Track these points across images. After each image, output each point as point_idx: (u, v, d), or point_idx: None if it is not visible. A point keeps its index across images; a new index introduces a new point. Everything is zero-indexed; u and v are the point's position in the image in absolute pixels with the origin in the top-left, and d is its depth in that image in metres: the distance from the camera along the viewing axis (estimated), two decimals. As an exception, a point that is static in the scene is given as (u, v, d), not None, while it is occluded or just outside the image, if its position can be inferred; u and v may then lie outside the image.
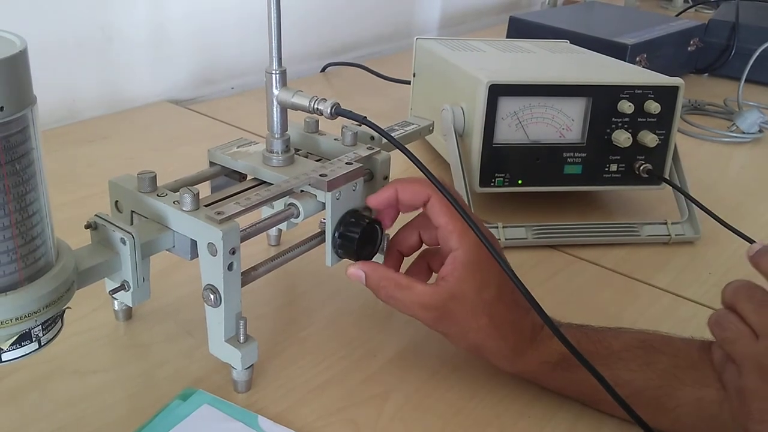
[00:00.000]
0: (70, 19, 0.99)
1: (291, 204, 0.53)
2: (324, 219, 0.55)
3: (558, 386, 0.54)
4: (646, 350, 0.52)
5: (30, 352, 0.43)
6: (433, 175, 0.51)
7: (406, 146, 0.68)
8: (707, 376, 0.50)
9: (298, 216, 0.53)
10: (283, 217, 0.53)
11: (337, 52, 1.43)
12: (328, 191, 0.53)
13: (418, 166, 0.52)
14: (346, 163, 0.55)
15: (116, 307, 0.60)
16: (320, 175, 0.53)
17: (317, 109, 0.53)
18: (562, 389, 0.54)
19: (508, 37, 1.34)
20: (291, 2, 1.28)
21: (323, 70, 1.35)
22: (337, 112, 0.53)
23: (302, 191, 0.54)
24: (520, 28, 1.32)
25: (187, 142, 0.98)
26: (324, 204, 0.54)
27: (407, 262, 0.59)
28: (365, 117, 0.53)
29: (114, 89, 1.08)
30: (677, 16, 1.65)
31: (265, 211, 0.63)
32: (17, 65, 0.37)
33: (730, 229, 0.71)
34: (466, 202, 0.76)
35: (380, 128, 0.54)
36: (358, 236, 0.54)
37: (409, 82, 1.01)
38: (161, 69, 1.13)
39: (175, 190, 0.52)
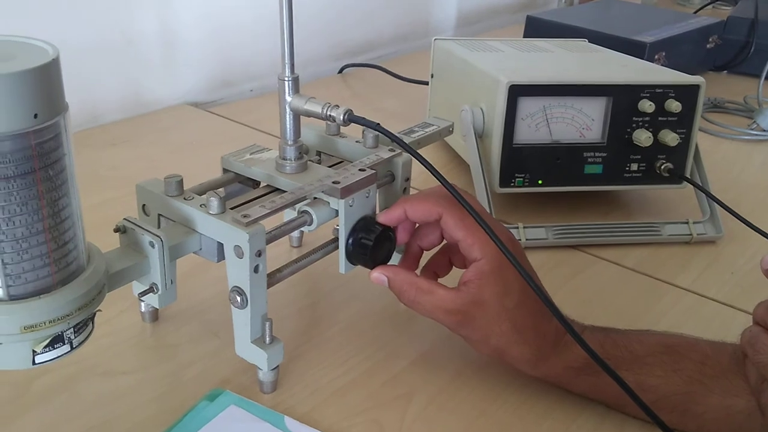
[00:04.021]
0: (91, 24, 1.01)
1: (304, 211, 0.54)
2: (338, 225, 0.55)
3: (582, 390, 0.54)
4: (672, 356, 0.52)
5: (62, 354, 0.44)
6: (449, 182, 0.51)
7: (422, 149, 0.68)
8: (736, 386, 0.49)
9: (311, 224, 0.53)
10: (297, 225, 0.53)
11: (354, 53, 1.44)
12: (341, 198, 0.53)
13: (433, 173, 0.51)
14: (359, 170, 0.55)
15: (143, 309, 0.61)
16: (333, 182, 0.53)
17: (330, 116, 0.53)
18: (587, 393, 0.54)
19: (525, 36, 1.34)
20: (307, 4, 1.29)
21: (341, 71, 1.35)
22: (350, 119, 0.53)
23: (315, 198, 0.54)
24: (537, 27, 1.32)
25: (207, 145, 0.99)
26: (337, 210, 0.54)
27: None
28: (378, 123, 0.53)
29: (134, 93, 1.09)
30: (695, 12, 1.64)
31: (288, 214, 0.64)
32: (50, 73, 0.38)
33: (752, 228, 0.70)
34: (487, 203, 0.76)
35: (393, 134, 0.53)
36: (371, 245, 0.54)
37: (426, 83, 1.01)
38: (180, 72, 1.14)
39: (200, 194, 0.53)
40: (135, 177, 0.56)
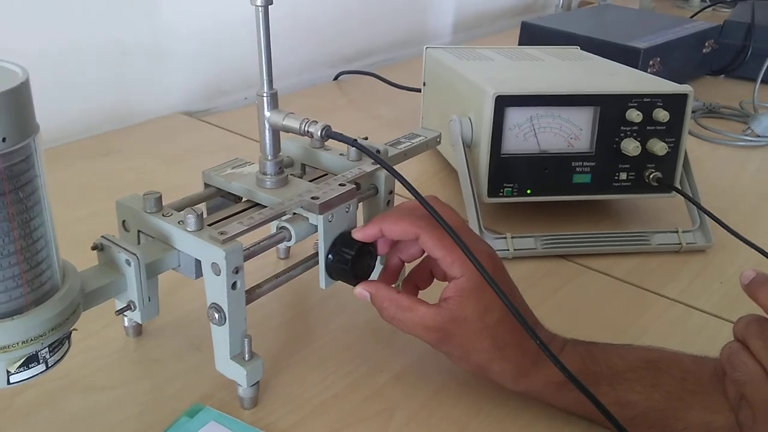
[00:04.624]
0: (85, 34, 1.01)
1: (283, 227, 0.54)
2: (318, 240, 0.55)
3: (564, 405, 0.54)
4: (653, 371, 0.51)
5: (37, 374, 0.44)
6: (425, 199, 0.51)
7: (413, 158, 0.68)
8: (716, 402, 0.49)
9: (290, 239, 0.53)
10: (276, 241, 0.53)
11: (351, 59, 1.44)
12: (320, 214, 0.53)
13: (408, 189, 0.51)
14: (339, 185, 0.55)
15: (126, 324, 0.61)
16: (312, 198, 0.53)
17: (308, 131, 0.53)
18: (569, 408, 0.54)
19: (520, 42, 1.34)
20: (305, 11, 1.29)
21: (336, 78, 1.35)
22: (328, 134, 0.53)
23: (295, 213, 0.54)
24: (532, 34, 1.32)
25: (201, 154, 0.99)
26: (317, 226, 0.54)
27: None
28: (355, 140, 0.54)
29: (128, 102, 1.09)
30: (694, 15, 1.64)
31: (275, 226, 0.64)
32: (19, 97, 0.38)
33: (740, 239, 0.70)
34: (475, 213, 0.76)
35: (369, 150, 0.53)
36: (351, 261, 0.53)
37: (419, 90, 1.01)
38: (174, 81, 1.15)
39: (180, 210, 0.53)
40: (127, 188, 0.56)
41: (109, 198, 0.56)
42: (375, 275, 0.58)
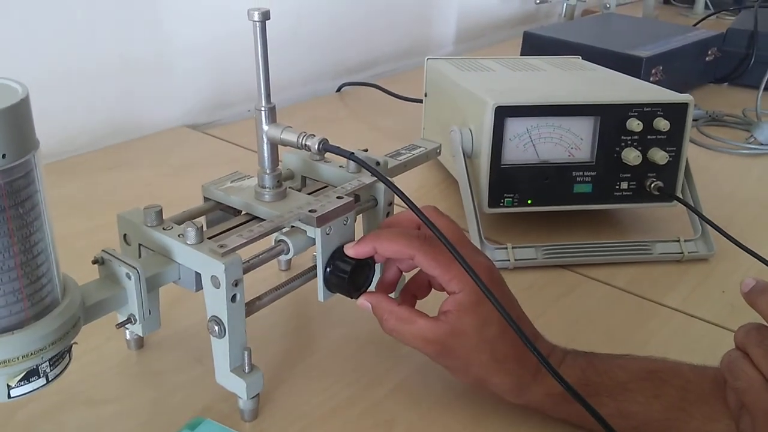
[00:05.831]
0: (90, 48, 1.02)
1: (281, 240, 0.54)
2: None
3: (565, 417, 0.54)
4: (654, 382, 0.51)
5: (38, 388, 0.45)
6: (422, 212, 0.51)
7: (415, 169, 0.69)
8: (717, 411, 0.49)
9: (288, 252, 0.54)
10: (274, 254, 0.54)
11: (354, 70, 1.44)
12: (318, 227, 0.53)
13: (406, 203, 0.51)
14: (337, 198, 0.56)
15: (128, 337, 0.61)
16: (310, 211, 0.53)
17: (305, 145, 0.53)
18: (569, 419, 0.54)
19: (522, 52, 1.34)
20: (308, 23, 1.30)
21: (339, 89, 1.36)
22: (325, 148, 0.53)
23: (293, 226, 0.55)
24: (534, 44, 1.32)
25: (205, 167, 0.99)
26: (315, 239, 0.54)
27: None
28: (352, 153, 0.54)
29: (133, 116, 1.10)
30: (697, 23, 1.64)
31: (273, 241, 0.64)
32: (19, 113, 0.39)
33: (742, 248, 0.70)
34: (476, 224, 0.76)
35: (366, 163, 0.54)
36: (348, 274, 0.54)
37: (421, 101, 1.01)
38: (178, 94, 1.15)
39: (180, 223, 0.53)
40: (132, 201, 0.57)
41: (114, 211, 0.56)
42: (373, 284, 0.58)
